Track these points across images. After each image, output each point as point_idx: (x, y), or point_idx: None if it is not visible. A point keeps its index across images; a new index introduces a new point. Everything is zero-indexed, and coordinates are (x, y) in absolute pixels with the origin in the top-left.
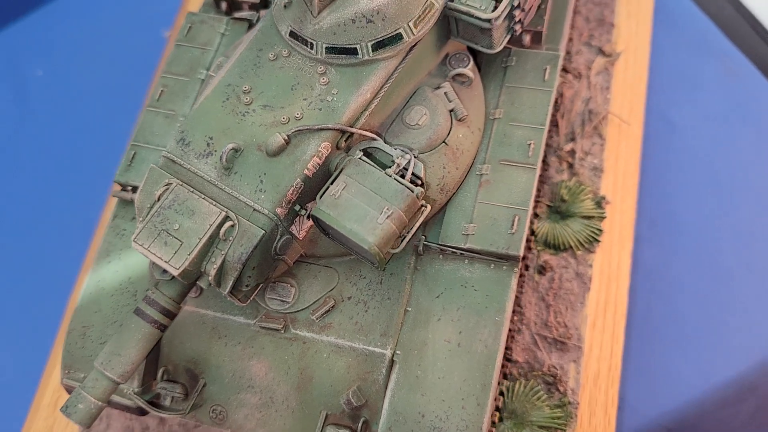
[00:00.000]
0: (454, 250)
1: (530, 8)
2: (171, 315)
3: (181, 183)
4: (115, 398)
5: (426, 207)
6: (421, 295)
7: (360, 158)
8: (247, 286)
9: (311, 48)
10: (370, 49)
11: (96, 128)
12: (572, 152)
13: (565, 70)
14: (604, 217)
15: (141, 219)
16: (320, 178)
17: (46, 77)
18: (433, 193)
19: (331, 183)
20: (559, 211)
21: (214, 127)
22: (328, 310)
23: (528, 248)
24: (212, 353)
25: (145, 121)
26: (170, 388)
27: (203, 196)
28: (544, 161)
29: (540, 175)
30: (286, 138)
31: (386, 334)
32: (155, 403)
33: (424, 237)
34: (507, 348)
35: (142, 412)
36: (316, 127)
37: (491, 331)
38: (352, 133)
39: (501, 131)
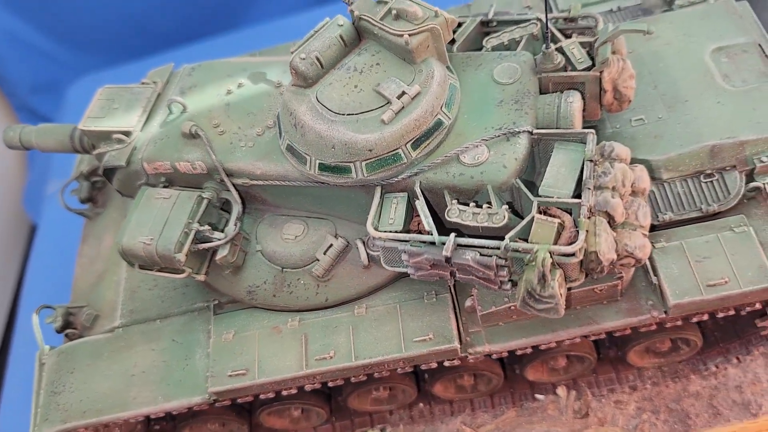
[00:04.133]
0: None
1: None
2: (84, 150)
3: (161, 88)
4: None
5: (185, 273)
6: (171, 326)
7: (200, 195)
8: (118, 182)
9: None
10: (285, 144)
11: None
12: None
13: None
14: None
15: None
16: (191, 180)
17: None
18: (240, 290)
19: (170, 186)
20: None
21: (212, 79)
22: None
23: None
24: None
25: None
26: (84, 187)
27: (150, 107)
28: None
29: None
30: (192, 132)
31: (130, 313)
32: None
33: (218, 302)
34: None
35: None
36: (208, 146)
37: (145, 397)
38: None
39: (334, 322)
